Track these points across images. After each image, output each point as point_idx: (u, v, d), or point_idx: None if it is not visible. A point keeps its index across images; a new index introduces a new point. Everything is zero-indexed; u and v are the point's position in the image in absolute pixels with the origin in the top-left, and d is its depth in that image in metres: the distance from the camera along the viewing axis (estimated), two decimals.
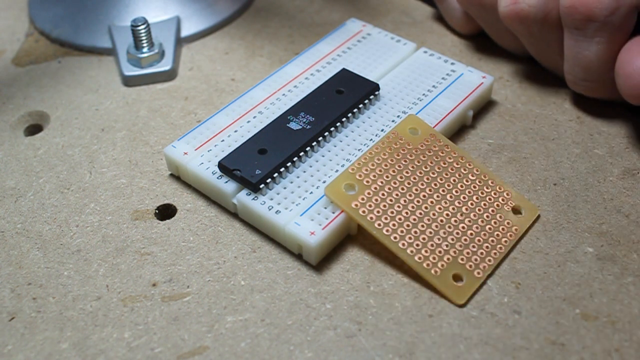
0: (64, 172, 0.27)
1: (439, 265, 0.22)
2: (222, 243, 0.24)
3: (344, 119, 0.26)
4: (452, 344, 0.21)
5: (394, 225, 0.22)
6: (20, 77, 0.32)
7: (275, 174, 0.24)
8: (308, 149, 0.25)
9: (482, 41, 0.32)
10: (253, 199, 0.24)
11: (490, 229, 0.23)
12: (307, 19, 0.34)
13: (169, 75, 0.31)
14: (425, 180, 0.24)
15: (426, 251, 0.22)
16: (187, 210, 0.25)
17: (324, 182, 0.24)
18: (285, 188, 0.24)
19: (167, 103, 0.30)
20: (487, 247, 0.22)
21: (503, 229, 0.23)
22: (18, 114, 0.30)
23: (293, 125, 0.26)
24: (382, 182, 0.23)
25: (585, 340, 0.21)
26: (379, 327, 0.21)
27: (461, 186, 0.24)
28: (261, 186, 0.24)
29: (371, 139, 0.26)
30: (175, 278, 0.23)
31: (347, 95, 0.27)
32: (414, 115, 0.26)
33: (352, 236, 0.24)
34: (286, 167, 0.24)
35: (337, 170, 0.25)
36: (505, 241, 0.23)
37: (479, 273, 0.22)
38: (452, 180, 0.24)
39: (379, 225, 0.22)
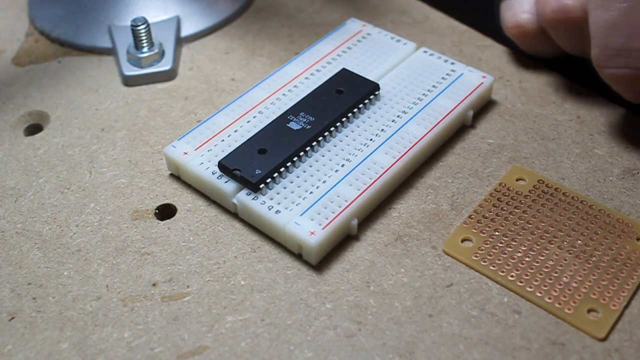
0: (64, 172, 0.27)
1: (571, 302, 0.21)
2: (222, 243, 0.24)
3: (344, 119, 0.26)
4: (452, 343, 0.21)
5: (517, 270, 0.22)
6: (20, 77, 0.32)
7: (275, 174, 0.24)
8: (308, 148, 0.25)
9: (482, 41, 0.32)
10: (253, 198, 0.24)
11: (618, 260, 0.22)
12: (307, 19, 0.34)
13: (169, 75, 0.31)
14: (541, 223, 0.24)
15: (555, 291, 0.22)
16: (187, 210, 0.25)
17: (324, 182, 0.24)
18: (285, 188, 0.24)
19: (167, 103, 0.30)
20: (618, 278, 0.22)
21: (632, 258, 0.23)
22: (18, 113, 0.30)
23: (293, 125, 0.26)
24: (497, 232, 0.24)
25: (585, 340, 0.21)
26: (379, 327, 0.21)
27: (579, 223, 0.24)
28: (261, 186, 0.24)
29: (371, 139, 0.26)
30: (175, 278, 0.23)
31: (347, 95, 0.27)
32: (518, 165, 0.26)
33: (352, 236, 0.24)
34: (286, 167, 0.24)
35: (337, 170, 0.25)
36: (638, 270, 0.22)
37: (614, 305, 0.21)
38: (568, 219, 0.24)
39: (503, 272, 0.22)
